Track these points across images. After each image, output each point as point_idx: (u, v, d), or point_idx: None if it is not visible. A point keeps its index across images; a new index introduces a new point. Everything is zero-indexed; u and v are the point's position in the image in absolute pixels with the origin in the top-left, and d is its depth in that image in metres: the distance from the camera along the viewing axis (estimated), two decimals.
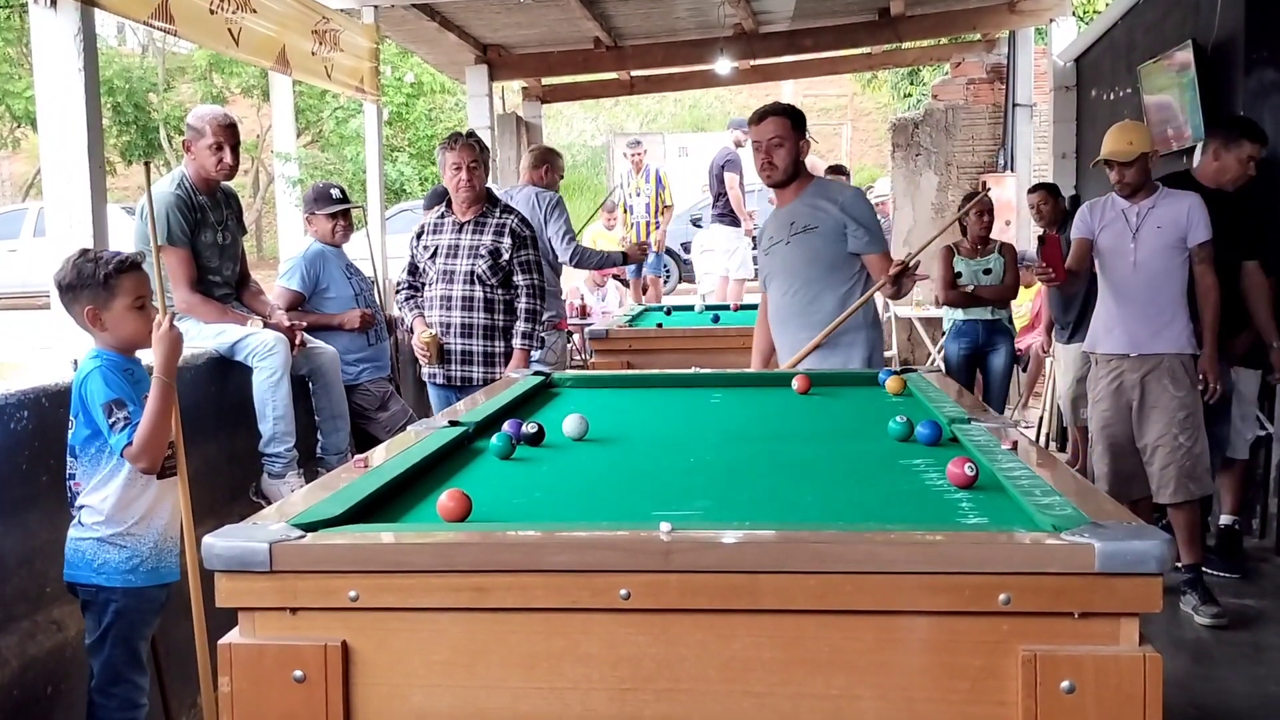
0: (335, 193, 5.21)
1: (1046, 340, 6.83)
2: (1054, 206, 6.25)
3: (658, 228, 11.11)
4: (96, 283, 2.88)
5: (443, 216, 4.93)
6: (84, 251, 3.00)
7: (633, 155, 11.10)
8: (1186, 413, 4.44)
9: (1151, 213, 4.52)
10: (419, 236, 4.98)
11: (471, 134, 4.97)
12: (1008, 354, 6.54)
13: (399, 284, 5.09)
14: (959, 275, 6.33)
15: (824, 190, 4.31)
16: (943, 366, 6.95)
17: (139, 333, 2.93)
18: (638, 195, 11.00)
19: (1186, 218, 4.48)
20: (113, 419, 2.83)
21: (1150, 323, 4.50)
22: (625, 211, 11.12)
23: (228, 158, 4.24)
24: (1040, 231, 6.44)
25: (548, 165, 6.46)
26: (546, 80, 11.74)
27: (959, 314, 6.48)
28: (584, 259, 6.51)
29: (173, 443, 2.97)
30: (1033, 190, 6.49)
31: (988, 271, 6.32)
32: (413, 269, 5.00)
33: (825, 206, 4.18)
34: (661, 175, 11.22)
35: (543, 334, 5.31)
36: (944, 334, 7.00)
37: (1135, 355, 4.52)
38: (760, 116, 4.17)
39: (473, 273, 4.76)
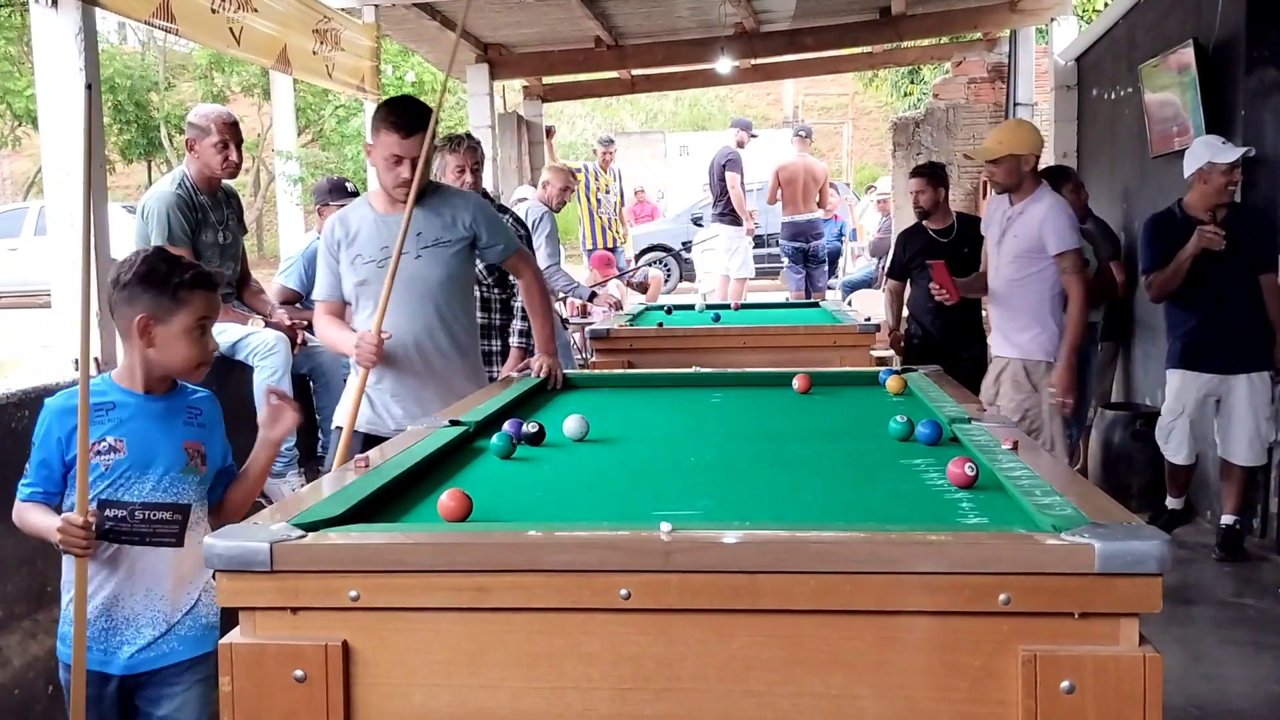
0: (350, 186, 5.26)
1: None
2: (1081, 197, 6.11)
3: (623, 225, 11.26)
4: (165, 290, 2.41)
5: None
6: (159, 250, 2.54)
7: (603, 152, 11.09)
8: (1020, 416, 4.43)
9: (1017, 219, 4.49)
10: None
11: (469, 135, 4.97)
12: (1094, 365, 5.53)
13: None
14: None
15: (449, 199, 3.83)
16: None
17: (189, 361, 2.48)
18: (606, 193, 11.00)
19: (1039, 228, 4.38)
20: (30, 466, 2.47)
21: (1003, 327, 4.55)
22: (592, 204, 11.00)
23: (233, 155, 4.27)
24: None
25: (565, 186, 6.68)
26: (547, 79, 11.76)
27: None
28: (553, 278, 6.35)
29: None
30: None
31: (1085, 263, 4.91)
32: None
33: (455, 217, 3.76)
34: (620, 174, 11.36)
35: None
36: None
37: (996, 355, 4.60)
38: (410, 129, 3.58)
39: None
